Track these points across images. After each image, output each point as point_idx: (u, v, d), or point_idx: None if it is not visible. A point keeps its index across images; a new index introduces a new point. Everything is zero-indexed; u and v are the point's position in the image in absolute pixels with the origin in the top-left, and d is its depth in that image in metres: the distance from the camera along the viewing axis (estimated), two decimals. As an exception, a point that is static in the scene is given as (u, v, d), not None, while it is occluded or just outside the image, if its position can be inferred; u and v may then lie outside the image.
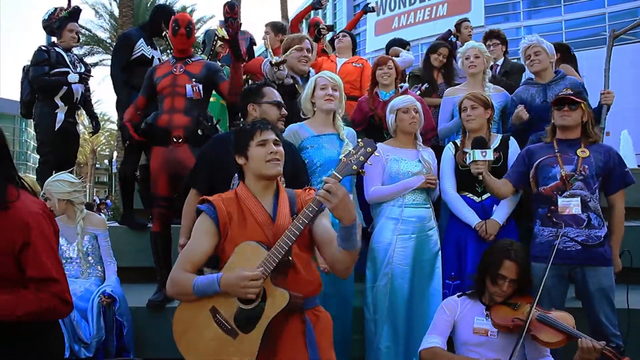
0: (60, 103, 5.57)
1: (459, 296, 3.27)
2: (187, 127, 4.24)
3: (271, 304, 2.35)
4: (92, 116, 6.26)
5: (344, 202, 2.22)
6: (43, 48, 5.63)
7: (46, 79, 5.51)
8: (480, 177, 3.52)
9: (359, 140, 2.38)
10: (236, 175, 3.17)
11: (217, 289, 2.34)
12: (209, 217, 2.49)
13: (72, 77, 5.54)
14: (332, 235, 2.44)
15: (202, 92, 4.34)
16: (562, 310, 3.14)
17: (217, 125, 4.45)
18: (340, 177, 2.27)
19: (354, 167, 2.28)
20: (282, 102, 3.50)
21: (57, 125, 5.54)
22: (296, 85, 4.38)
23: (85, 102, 5.95)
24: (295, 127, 3.82)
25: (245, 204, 2.52)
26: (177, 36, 4.49)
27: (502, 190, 3.62)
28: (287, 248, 2.35)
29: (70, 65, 5.61)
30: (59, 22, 5.80)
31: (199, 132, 4.22)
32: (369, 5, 7.69)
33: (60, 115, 5.57)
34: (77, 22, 5.90)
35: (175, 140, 4.21)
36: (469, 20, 6.77)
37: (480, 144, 3.56)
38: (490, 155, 3.49)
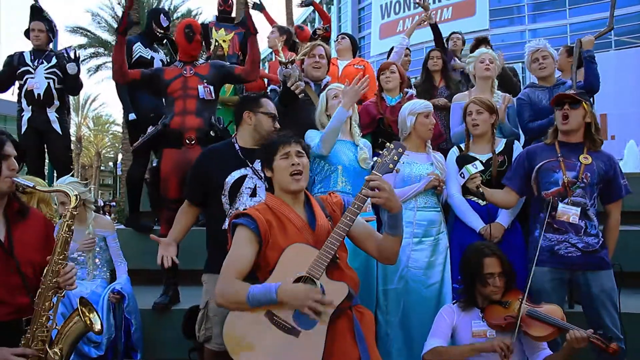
0: (24, 104, 5.55)
1: (454, 303, 3.31)
2: (199, 128, 4.28)
3: (331, 296, 2.43)
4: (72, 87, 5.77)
5: (392, 194, 2.51)
6: (11, 54, 5.63)
7: None
8: (481, 190, 3.56)
9: (391, 143, 2.64)
10: (228, 181, 3.28)
11: (273, 300, 2.39)
12: (248, 228, 2.56)
13: None
14: (371, 229, 2.77)
15: (213, 93, 4.40)
16: (550, 303, 3.15)
17: (228, 128, 4.47)
18: (381, 175, 2.54)
19: (390, 165, 2.57)
20: (277, 116, 3.51)
21: (23, 128, 5.52)
22: (308, 92, 4.42)
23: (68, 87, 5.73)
24: (315, 132, 3.90)
25: (281, 212, 2.63)
26: (193, 42, 4.56)
27: (506, 201, 3.63)
28: (338, 244, 2.51)
29: (31, 64, 5.54)
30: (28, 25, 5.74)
31: (212, 133, 4.26)
32: None
33: (25, 118, 5.54)
34: (42, 20, 5.72)
35: (188, 141, 4.24)
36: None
37: (466, 160, 3.74)
38: (479, 165, 3.59)
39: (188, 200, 3.53)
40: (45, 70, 5.56)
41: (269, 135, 3.05)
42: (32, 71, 5.53)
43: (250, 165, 3.33)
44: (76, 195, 2.57)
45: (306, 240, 2.58)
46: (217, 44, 6.38)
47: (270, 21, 7.30)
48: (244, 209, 2.72)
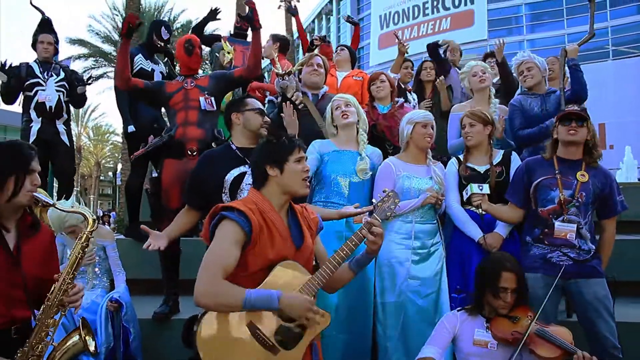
0: (33, 115, 5.59)
1: (458, 310, 3.30)
2: (200, 139, 4.33)
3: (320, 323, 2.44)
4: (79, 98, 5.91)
5: (382, 241, 2.59)
6: (16, 65, 5.67)
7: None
8: (480, 210, 3.59)
9: (389, 191, 2.74)
10: (227, 179, 3.32)
11: (275, 307, 2.32)
12: (241, 227, 2.41)
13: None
14: (327, 257, 2.70)
15: (214, 104, 4.45)
16: (559, 325, 3.15)
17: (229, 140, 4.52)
18: (380, 221, 2.61)
19: (387, 213, 2.66)
20: (264, 110, 3.61)
21: (31, 139, 5.52)
22: (306, 102, 4.46)
23: (74, 101, 5.87)
24: (319, 142, 3.97)
25: (269, 218, 2.53)
26: (193, 55, 4.61)
27: (512, 216, 3.66)
28: (332, 274, 2.52)
29: (41, 76, 5.61)
30: (33, 37, 5.80)
31: (213, 145, 4.27)
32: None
33: (35, 129, 5.57)
34: (50, 33, 5.82)
35: (190, 153, 4.28)
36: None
37: (477, 178, 3.77)
38: (486, 189, 3.61)
39: (188, 205, 3.56)
40: (56, 83, 5.66)
41: (274, 132, 3.00)
42: (43, 83, 5.62)
43: (249, 163, 3.37)
44: (94, 220, 2.62)
45: (288, 251, 2.53)
46: (229, 55, 6.45)
47: (300, 28, 7.59)
48: (235, 203, 2.55)
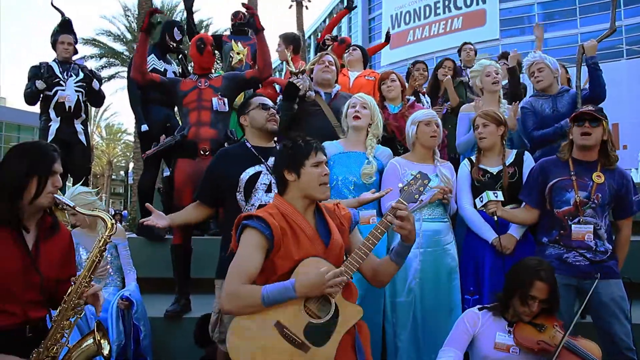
0: (52, 115, 5.65)
1: (480, 309, 3.23)
2: (213, 139, 4.38)
3: (345, 317, 2.44)
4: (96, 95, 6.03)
5: (413, 226, 2.52)
6: (36, 64, 5.73)
7: (28, 91, 5.64)
8: (496, 218, 3.55)
9: (417, 173, 2.62)
10: (243, 178, 3.33)
11: (292, 295, 2.34)
12: (262, 233, 2.44)
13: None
14: None
15: (227, 104, 4.49)
16: (588, 339, 3.07)
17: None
18: (407, 205, 2.52)
19: (416, 196, 2.55)
20: (267, 103, 3.61)
21: (50, 138, 5.59)
22: (319, 101, 4.46)
23: (92, 100, 5.97)
24: (326, 144, 3.90)
25: (293, 220, 2.54)
26: (205, 54, 4.67)
27: (528, 218, 3.65)
28: (358, 266, 2.50)
29: (61, 76, 5.67)
30: (53, 37, 5.88)
31: (226, 144, 4.28)
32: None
33: (53, 128, 5.64)
34: (70, 34, 5.90)
35: (202, 152, 4.32)
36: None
37: (490, 182, 3.78)
38: (500, 196, 3.57)
39: (199, 200, 3.54)
40: (75, 83, 5.74)
41: (295, 137, 2.98)
42: (63, 83, 5.69)
43: (264, 162, 3.41)
44: (112, 224, 2.62)
45: (316, 251, 2.52)
46: (238, 56, 6.45)
47: (337, 20, 7.49)
48: (256, 211, 2.58)
